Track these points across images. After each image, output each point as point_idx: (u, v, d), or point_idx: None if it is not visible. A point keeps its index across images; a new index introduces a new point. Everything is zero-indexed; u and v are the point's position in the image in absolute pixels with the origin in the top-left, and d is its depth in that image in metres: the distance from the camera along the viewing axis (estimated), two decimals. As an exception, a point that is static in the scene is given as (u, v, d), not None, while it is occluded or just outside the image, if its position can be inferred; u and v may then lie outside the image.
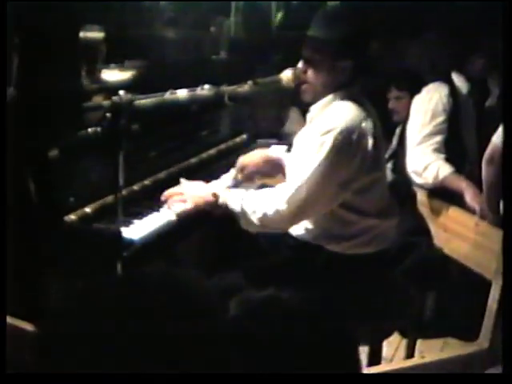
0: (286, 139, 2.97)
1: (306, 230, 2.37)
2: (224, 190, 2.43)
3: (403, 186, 3.29)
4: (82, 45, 2.29)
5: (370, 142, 2.25)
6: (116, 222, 2.01)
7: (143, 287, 0.93)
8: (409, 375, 2.01)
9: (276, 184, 2.46)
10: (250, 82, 2.47)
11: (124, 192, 2.06)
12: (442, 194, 3.17)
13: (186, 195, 2.38)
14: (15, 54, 2.06)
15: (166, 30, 3.00)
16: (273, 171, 2.74)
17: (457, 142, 3.41)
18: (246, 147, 3.23)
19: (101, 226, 2.12)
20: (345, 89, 2.33)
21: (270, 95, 2.61)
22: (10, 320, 1.66)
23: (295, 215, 2.26)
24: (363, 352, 2.36)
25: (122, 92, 1.97)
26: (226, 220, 2.37)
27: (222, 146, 3.10)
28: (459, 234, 2.92)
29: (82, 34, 2.29)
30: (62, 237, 2.06)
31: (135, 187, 2.39)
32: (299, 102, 2.61)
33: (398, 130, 3.83)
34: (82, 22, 2.30)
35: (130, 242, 2.05)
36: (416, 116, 3.44)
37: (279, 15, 4.03)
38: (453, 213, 3.02)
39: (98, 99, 2.33)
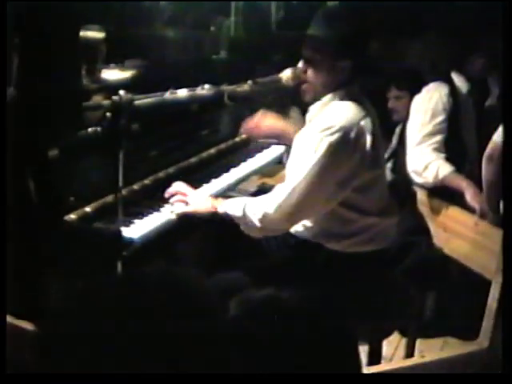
0: (283, 142, 2.96)
1: (306, 228, 2.37)
2: (223, 200, 2.43)
3: (403, 185, 3.29)
4: (82, 44, 2.29)
5: (369, 140, 2.25)
6: (116, 222, 2.01)
7: (143, 287, 0.93)
8: (409, 375, 2.01)
9: (275, 183, 2.47)
10: (249, 82, 2.47)
11: (124, 192, 2.06)
12: (442, 193, 3.18)
13: (190, 199, 2.38)
14: (15, 53, 2.06)
15: (166, 29, 3.01)
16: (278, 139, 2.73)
17: (457, 142, 3.42)
18: (245, 147, 3.23)
19: (101, 226, 2.12)
20: (344, 88, 2.34)
21: (269, 95, 2.61)
22: (9, 319, 1.66)
23: (295, 214, 2.26)
24: (363, 351, 2.36)
25: (122, 92, 1.97)
26: (226, 220, 2.37)
27: (222, 146, 3.10)
28: (459, 234, 2.93)
29: (82, 34, 2.29)
30: (62, 236, 2.06)
31: (135, 187, 2.39)
32: (299, 101, 2.61)
33: (397, 130, 3.83)
34: (82, 22, 2.30)
35: (130, 242, 2.05)
36: (416, 115, 3.44)
37: (279, 15, 4.03)
38: (453, 212, 3.02)
39: (98, 99, 2.33)
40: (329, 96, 2.34)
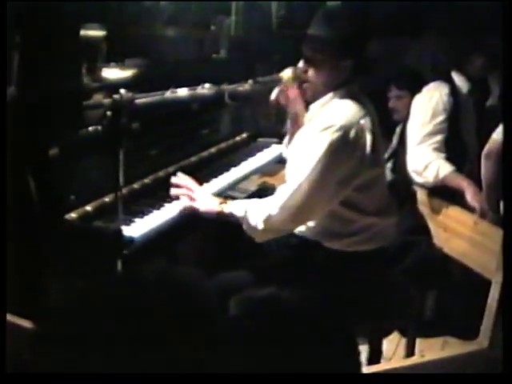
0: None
1: (306, 227, 2.38)
2: (228, 201, 2.43)
3: (403, 185, 3.30)
4: (82, 43, 2.29)
5: (369, 139, 2.25)
6: (116, 221, 2.01)
7: (143, 286, 0.93)
8: (408, 374, 2.01)
9: (276, 183, 2.47)
10: (250, 81, 2.47)
11: (124, 190, 2.06)
12: (442, 193, 3.18)
13: (197, 195, 2.39)
14: (16, 52, 2.06)
15: (167, 28, 3.01)
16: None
17: (457, 141, 3.42)
18: (246, 146, 3.24)
19: (101, 225, 2.12)
20: (344, 87, 2.34)
21: (270, 94, 2.61)
22: (9, 318, 1.66)
23: (299, 215, 2.26)
24: (363, 351, 2.36)
25: (122, 90, 1.97)
26: (229, 221, 2.38)
27: (223, 145, 3.10)
28: (459, 233, 2.93)
29: (82, 33, 2.29)
30: (63, 235, 2.06)
31: (136, 186, 2.40)
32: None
33: (398, 129, 3.84)
34: (82, 21, 2.30)
35: (131, 241, 2.05)
36: (416, 115, 3.44)
37: (279, 14, 4.03)
38: (453, 212, 3.02)
39: (98, 98, 2.33)
40: (329, 95, 2.34)
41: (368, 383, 1.58)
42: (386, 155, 3.68)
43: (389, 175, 3.44)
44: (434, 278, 2.84)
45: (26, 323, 1.66)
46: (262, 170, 3.13)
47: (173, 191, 2.39)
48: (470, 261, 2.80)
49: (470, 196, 3.13)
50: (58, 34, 2.14)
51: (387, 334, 2.58)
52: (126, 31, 2.64)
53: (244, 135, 3.31)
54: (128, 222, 2.15)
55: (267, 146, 3.23)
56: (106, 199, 2.19)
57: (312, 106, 2.40)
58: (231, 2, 3.49)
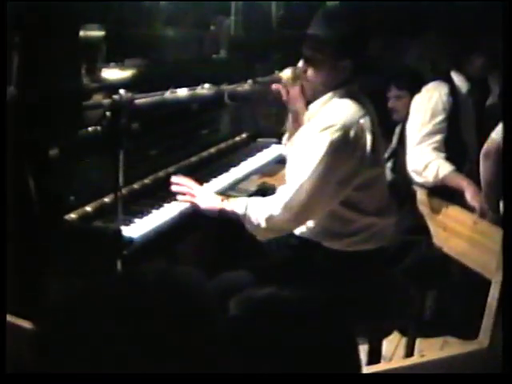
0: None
1: (306, 227, 2.38)
2: (230, 198, 2.43)
3: (403, 185, 3.30)
4: (82, 43, 2.29)
5: (369, 138, 2.25)
6: (116, 221, 2.01)
7: (143, 286, 0.93)
8: (408, 374, 2.01)
9: (275, 183, 2.47)
10: (250, 81, 2.47)
11: (124, 191, 2.06)
12: (442, 192, 3.18)
13: (197, 192, 2.39)
14: (15, 52, 2.06)
15: (166, 28, 3.01)
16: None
17: (457, 141, 3.41)
18: (246, 146, 3.24)
19: (101, 225, 2.12)
20: (344, 87, 2.34)
21: (269, 94, 2.61)
22: (9, 319, 1.66)
23: (300, 214, 2.26)
24: (363, 351, 2.36)
25: (122, 91, 1.97)
26: (225, 219, 2.37)
27: (222, 145, 3.10)
28: (459, 233, 2.93)
29: (82, 33, 2.29)
30: (63, 235, 2.06)
31: (135, 186, 2.40)
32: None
33: (397, 129, 3.84)
34: (82, 21, 2.30)
35: (130, 241, 2.05)
36: (416, 115, 3.44)
37: (279, 14, 4.03)
38: (452, 212, 3.02)
39: (98, 98, 2.33)
40: (328, 94, 2.34)
41: (368, 383, 1.58)
42: (386, 155, 3.68)
43: (389, 175, 3.44)
44: (433, 277, 2.84)
45: (25, 323, 1.66)
46: (261, 170, 3.13)
47: (174, 188, 2.39)
48: (469, 260, 2.80)
49: (470, 196, 3.13)
50: (58, 34, 2.14)
51: (387, 333, 2.58)
52: (126, 31, 2.64)
53: (244, 135, 3.31)
54: (128, 223, 2.15)
55: (267, 146, 3.23)
56: (106, 199, 2.19)
57: (312, 106, 2.40)
58: (231, 2, 3.49)
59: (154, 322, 0.87)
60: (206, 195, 2.40)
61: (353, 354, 1.12)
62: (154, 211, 2.30)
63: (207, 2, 3.26)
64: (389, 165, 3.69)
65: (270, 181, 3.21)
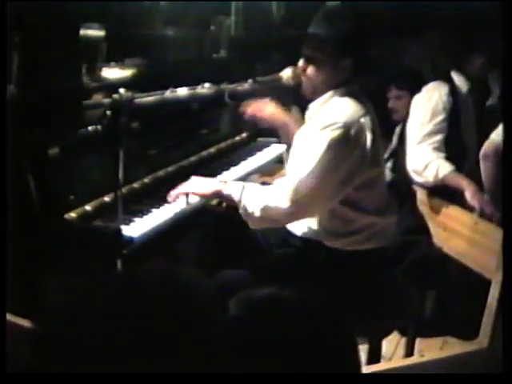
0: (282, 136, 2.96)
1: (306, 226, 2.38)
2: (230, 182, 2.43)
3: (403, 184, 3.30)
4: (82, 43, 2.29)
5: (369, 137, 2.25)
6: (116, 220, 2.01)
7: (143, 285, 0.93)
8: (408, 374, 2.01)
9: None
10: (250, 81, 2.48)
11: (124, 190, 2.06)
12: (442, 192, 3.18)
13: (190, 184, 2.37)
14: (15, 52, 2.06)
15: (167, 28, 3.01)
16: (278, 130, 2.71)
17: (457, 141, 3.42)
18: (246, 146, 3.24)
19: (101, 224, 2.12)
20: (344, 86, 2.34)
21: (270, 94, 2.61)
22: (9, 318, 1.66)
23: (296, 210, 2.25)
24: (362, 350, 2.36)
25: (122, 90, 1.97)
26: (226, 219, 2.37)
27: (222, 145, 3.10)
28: (459, 233, 2.92)
29: (82, 33, 2.29)
30: (63, 235, 2.06)
31: (135, 185, 2.40)
32: (299, 100, 2.61)
33: (397, 129, 3.84)
34: (82, 21, 2.30)
35: (130, 240, 2.05)
36: (416, 115, 3.44)
37: (279, 14, 4.03)
38: (452, 212, 3.02)
39: (98, 97, 2.33)
40: (329, 93, 2.35)
41: (368, 383, 1.58)
42: (386, 155, 3.68)
43: (388, 175, 3.44)
44: (433, 277, 2.84)
45: (25, 323, 1.66)
46: (261, 170, 3.13)
47: (171, 194, 2.36)
48: (469, 260, 2.80)
49: (470, 195, 3.13)
50: (58, 33, 2.14)
51: (387, 333, 2.58)
52: (126, 31, 2.64)
53: (244, 135, 3.31)
54: (128, 222, 2.15)
55: (267, 145, 3.24)
56: (106, 199, 2.19)
57: (312, 105, 2.40)
58: (231, 2, 3.49)
59: (154, 321, 0.87)
60: (200, 180, 2.38)
61: (353, 353, 1.12)
62: (154, 210, 2.30)
63: (207, 1, 3.26)
64: (389, 165, 3.69)
65: (269, 180, 3.21)
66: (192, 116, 2.79)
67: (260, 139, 3.33)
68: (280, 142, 3.05)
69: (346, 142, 2.22)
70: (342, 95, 2.33)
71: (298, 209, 2.25)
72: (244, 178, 2.89)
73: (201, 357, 0.89)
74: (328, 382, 1.04)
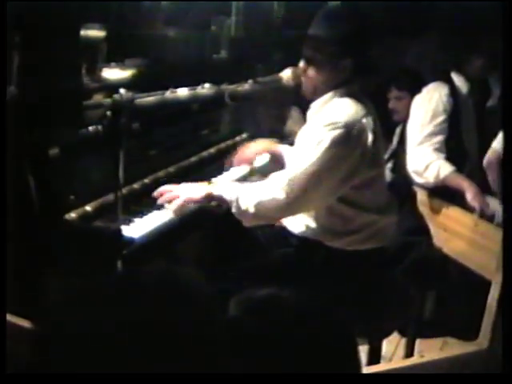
0: (286, 139, 2.97)
1: (306, 226, 2.38)
2: (220, 183, 2.42)
3: (403, 185, 3.30)
4: (82, 43, 2.29)
5: (370, 137, 2.26)
6: (116, 221, 2.01)
7: (142, 286, 0.93)
8: (408, 375, 2.01)
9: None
10: (250, 81, 2.48)
11: (124, 190, 2.06)
12: (442, 193, 3.18)
13: (180, 190, 2.34)
14: (16, 52, 2.06)
15: (167, 28, 3.00)
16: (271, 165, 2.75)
17: (457, 142, 3.42)
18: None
19: (101, 225, 2.12)
20: (345, 86, 2.34)
21: (270, 94, 2.61)
22: (9, 318, 1.66)
23: (291, 204, 2.24)
24: (362, 351, 2.36)
25: (122, 90, 1.97)
26: (226, 219, 2.37)
27: (222, 145, 3.10)
28: (459, 234, 2.93)
29: (82, 33, 2.29)
30: (63, 235, 2.06)
31: (135, 186, 2.39)
32: (300, 101, 2.62)
33: (398, 130, 3.84)
34: (82, 21, 2.30)
35: (131, 241, 2.05)
36: (416, 116, 3.45)
37: (280, 14, 4.02)
38: (453, 212, 3.02)
39: (98, 98, 2.33)
40: (330, 94, 2.35)
41: (368, 383, 1.58)
42: (386, 156, 3.68)
43: (389, 175, 3.44)
44: (433, 278, 2.84)
45: (25, 323, 1.66)
46: (261, 171, 3.13)
47: (159, 201, 2.33)
48: (469, 261, 2.80)
49: (471, 196, 3.13)
50: (59, 34, 2.14)
51: (387, 334, 2.58)
52: (126, 31, 2.64)
53: (244, 135, 3.31)
54: (128, 222, 2.15)
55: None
56: (106, 199, 2.19)
57: (313, 104, 2.41)
58: (231, 2, 3.49)
59: (154, 322, 0.87)
60: (189, 186, 2.37)
61: (353, 354, 1.12)
62: (154, 211, 2.30)
63: (208, 2, 3.26)
64: (389, 165, 3.70)
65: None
66: (192, 116, 2.79)
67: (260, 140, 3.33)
68: (281, 143, 3.05)
69: (346, 142, 2.22)
70: (343, 96, 2.33)
71: (294, 203, 2.24)
72: (244, 179, 2.89)
73: (201, 357, 0.89)
74: (328, 382, 1.04)
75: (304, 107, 2.55)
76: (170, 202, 2.33)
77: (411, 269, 2.63)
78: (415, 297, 2.60)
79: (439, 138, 3.34)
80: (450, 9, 3.90)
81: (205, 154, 2.93)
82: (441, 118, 3.36)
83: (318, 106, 2.38)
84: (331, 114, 2.27)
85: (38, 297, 2.04)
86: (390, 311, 2.39)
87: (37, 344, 0.92)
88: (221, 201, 2.32)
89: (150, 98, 2.11)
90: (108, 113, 1.95)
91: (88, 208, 2.15)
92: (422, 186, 3.27)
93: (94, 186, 2.21)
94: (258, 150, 2.80)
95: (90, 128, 2.17)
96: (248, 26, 3.54)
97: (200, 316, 0.91)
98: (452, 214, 3.02)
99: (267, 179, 2.35)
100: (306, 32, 2.34)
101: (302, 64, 2.38)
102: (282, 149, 2.74)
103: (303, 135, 2.39)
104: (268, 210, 2.25)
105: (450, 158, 3.31)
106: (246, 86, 2.46)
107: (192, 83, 2.32)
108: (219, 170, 2.82)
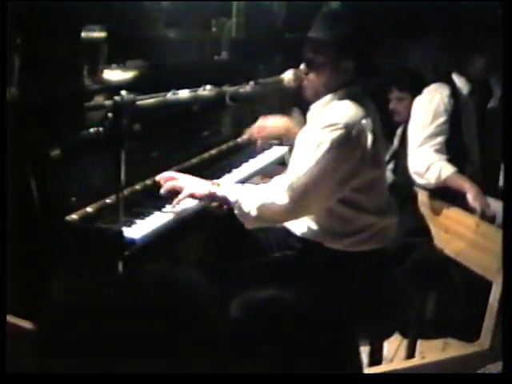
0: (287, 140, 2.97)
1: (306, 227, 2.38)
2: (224, 182, 2.42)
3: (404, 186, 3.30)
4: (83, 45, 2.29)
5: (370, 138, 2.26)
6: (117, 222, 2.01)
7: (143, 287, 0.93)
8: (409, 375, 2.01)
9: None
10: (251, 83, 2.48)
11: (125, 192, 2.07)
12: (443, 194, 3.18)
13: (183, 182, 2.34)
14: (17, 54, 2.06)
15: (168, 30, 3.01)
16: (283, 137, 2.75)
17: (458, 143, 3.42)
18: (247, 148, 3.24)
19: (102, 226, 2.12)
20: (345, 88, 2.35)
21: (271, 96, 2.61)
22: (9, 319, 1.66)
23: (293, 207, 2.24)
24: (364, 352, 2.36)
25: (123, 92, 1.97)
26: (227, 220, 2.37)
27: (224, 147, 3.10)
28: (460, 235, 2.93)
29: (83, 34, 2.29)
30: (64, 236, 2.06)
31: (137, 187, 2.39)
32: (301, 102, 2.62)
33: (399, 131, 3.84)
34: (83, 22, 2.30)
35: (132, 242, 2.05)
36: (417, 117, 3.44)
37: (281, 16, 4.03)
38: (454, 213, 3.02)
39: (99, 99, 2.33)
40: (329, 96, 2.35)
41: (369, 384, 1.58)
42: (387, 157, 3.68)
43: (390, 177, 3.44)
44: (434, 279, 2.84)
45: (26, 323, 1.66)
46: (263, 172, 3.13)
47: (161, 191, 2.33)
48: (470, 262, 2.80)
49: (472, 197, 3.13)
50: (60, 35, 2.15)
51: (388, 335, 2.58)
52: (128, 33, 2.64)
53: (245, 137, 3.31)
54: (129, 224, 2.15)
55: (268, 147, 3.23)
56: (107, 200, 2.19)
57: (313, 106, 2.41)
58: (232, 3, 3.49)
59: (155, 323, 0.87)
60: (193, 181, 2.37)
61: (354, 355, 1.12)
62: (156, 212, 2.30)
63: (209, 3, 3.26)
64: (390, 166, 3.69)
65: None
66: (193, 118, 2.79)
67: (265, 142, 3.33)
68: (281, 144, 3.05)
69: (346, 143, 2.22)
70: (344, 97, 2.34)
71: (296, 206, 2.24)
72: (245, 180, 2.89)
73: (201, 358, 0.89)
74: (329, 382, 1.05)
75: (305, 109, 2.55)
76: (172, 191, 2.33)
77: (412, 270, 2.63)
78: (416, 298, 2.60)
79: (440, 139, 3.34)
80: (451, 10, 3.90)
81: (206, 155, 2.92)
82: (442, 119, 3.36)
83: (318, 107, 2.38)
84: (330, 116, 2.27)
85: (39, 298, 2.04)
86: (390, 312, 2.39)
87: (37, 345, 0.92)
88: (224, 202, 2.32)
89: (151, 100, 2.12)
90: (109, 114, 1.96)
91: (89, 209, 2.15)
92: (423, 187, 3.27)
93: (95, 187, 2.21)
94: (273, 125, 2.77)
95: (91, 129, 2.17)
96: (249, 27, 3.54)
97: (200, 317, 0.92)
98: (453, 215, 3.02)
99: (270, 182, 2.35)
100: (307, 35, 2.34)
101: (302, 66, 2.39)
102: (293, 126, 2.71)
103: (303, 137, 2.39)
104: (271, 213, 2.26)
105: (451, 159, 3.30)
106: (247, 88, 2.46)
107: (193, 85, 2.32)
108: (221, 172, 2.82)
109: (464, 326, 2.84)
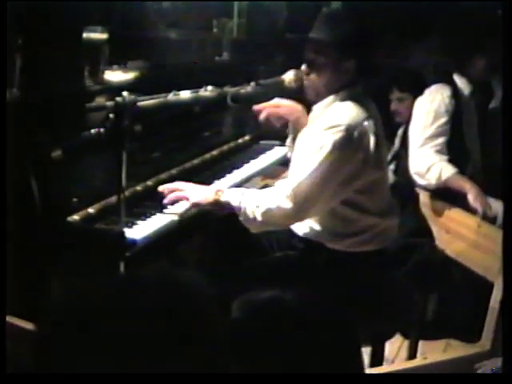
0: (292, 129, 2.96)
1: (308, 228, 2.38)
2: (227, 189, 2.42)
3: (405, 187, 3.29)
4: (84, 46, 2.29)
5: (372, 140, 2.26)
6: (119, 223, 2.01)
7: (143, 288, 0.93)
8: (411, 376, 2.01)
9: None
10: (252, 84, 2.48)
11: (127, 193, 2.07)
12: (444, 195, 3.18)
13: (189, 192, 2.36)
14: (18, 55, 2.07)
15: (169, 31, 3.01)
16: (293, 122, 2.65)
17: (459, 144, 3.41)
18: (248, 148, 3.24)
19: (104, 227, 2.13)
20: (347, 89, 2.34)
21: (272, 96, 2.61)
22: (9, 319, 1.66)
23: (298, 211, 2.25)
24: (365, 353, 2.36)
25: (125, 93, 1.97)
26: (228, 220, 2.37)
27: (225, 147, 3.10)
28: (461, 236, 2.92)
29: (85, 35, 2.30)
30: (65, 237, 2.06)
31: (138, 188, 2.40)
32: (301, 103, 2.61)
33: (400, 132, 3.84)
34: (84, 23, 2.31)
35: (133, 243, 2.05)
36: (418, 117, 3.44)
37: (282, 16, 4.03)
38: (455, 214, 3.02)
39: (100, 100, 2.33)
40: (332, 97, 2.35)
41: (370, 385, 1.58)
42: (388, 157, 3.68)
43: (391, 177, 3.44)
44: (436, 280, 2.84)
45: (26, 324, 1.66)
46: (264, 172, 3.13)
47: (165, 201, 2.33)
48: (472, 263, 2.80)
49: (473, 198, 3.13)
50: (61, 36, 2.15)
51: (390, 336, 2.58)
52: (129, 34, 2.65)
53: (246, 137, 3.32)
54: (130, 225, 2.15)
55: (269, 148, 3.24)
56: (109, 201, 2.19)
57: (315, 107, 2.41)
58: (233, 3, 3.50)
59: (155, 323, 0.87)
60: (197, 190, 2.37)
61: (355, 356, 1.12)
62: (157, 213, 2.30)
63: (210, 3, 3.27)
64: (391, 167, 3.69)
65: (272, 183, 3.21)
66: (195, 119, 2.79)
67: (262, 142, 3.33)
68: (283, 145, 3.05)
69: (348, 144, 2.22)
70: (346, 98, 2.33)
71: (301, 210, 2.25)
72: (247, 181, 2.89)
73: (201, 358, 0.89)
74: (330, 382, 1.05)
75: (306, 110, 2.55)
76: (176, 201, 2.33)
77: (414, 271, 2.62)
78: (418, 298, 2.59)
79: (441, 139, 3.34)
80: (452, 10, 3.90)
81: (207, 156, 2.93)
82: (443, 120, 3.36)
83: (320, 108, 2.38)
84: (332, 117, 2.27)
85: (39, 299, 2.04)
86: (392, 313, 2.39)
87: (38, 345, 0.92)
88: (228, 208, 2.32)
89: (152, 101, 2.12)
90: (110, 115, 1.96)
91: (91, 210, 2.16)
92: (425, 188, 3.27)
93: (97, 188, 2.21)
94: (288, 107, 2.62)
95: (93, 130, 2.17)
96: (250, 27, 3.54)
97: (200, 317, 0.92)
98: (454, 216, 3.01)
99: (273, 187, 2.35)
100: (308, 36, 2.34)
101: (304, 67, 2.39)
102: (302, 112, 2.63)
103: (304, 138, 2.39)
104: (275, 218, 2.26)
105: (452, 160, 3.30)
106: (249, 89, 2.46)
107: (194, 85, 2.32)
108: (222, 173, 2.82)
109: (465, 326, 2.84)
